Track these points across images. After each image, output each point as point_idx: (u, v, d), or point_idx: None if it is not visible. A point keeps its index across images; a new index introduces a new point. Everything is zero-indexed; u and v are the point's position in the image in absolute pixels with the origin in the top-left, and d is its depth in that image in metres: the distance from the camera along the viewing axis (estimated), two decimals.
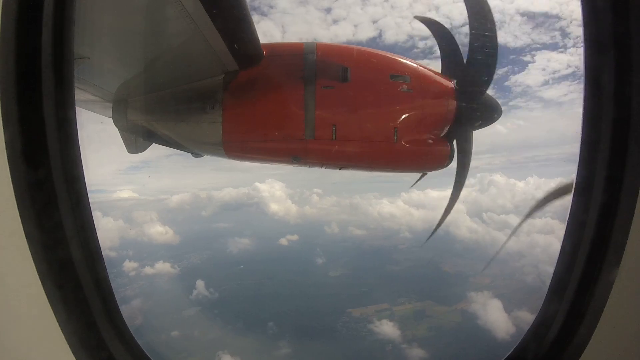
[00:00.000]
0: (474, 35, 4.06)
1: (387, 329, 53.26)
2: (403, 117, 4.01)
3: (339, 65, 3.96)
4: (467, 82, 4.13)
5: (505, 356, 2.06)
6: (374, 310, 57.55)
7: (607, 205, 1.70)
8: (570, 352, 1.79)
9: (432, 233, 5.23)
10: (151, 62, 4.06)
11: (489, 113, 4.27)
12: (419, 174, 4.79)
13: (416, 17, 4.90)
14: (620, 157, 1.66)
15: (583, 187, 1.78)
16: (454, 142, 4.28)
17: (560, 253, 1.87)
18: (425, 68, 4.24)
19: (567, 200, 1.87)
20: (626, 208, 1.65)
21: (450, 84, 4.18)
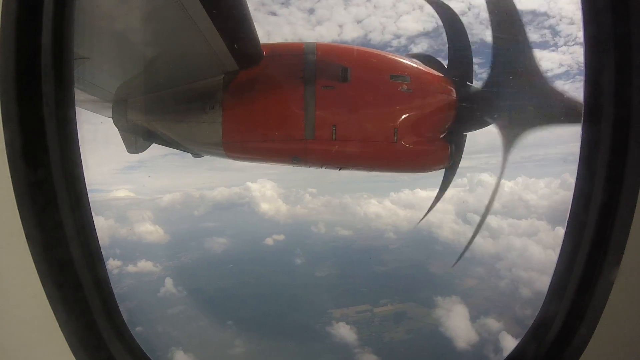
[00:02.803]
0: (450, 40, 4.29)
1: (344, 332, 53.03)
2: (403, 117, 4.02)
3: (339, 65, 3.96)
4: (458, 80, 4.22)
5: (505, 356, 2.07)
6: (355, 312, 57.28)
7: (607, 205, 1.70)
8: (570, 352, 1.79)
9: (466, 248, 5.10)
10: (151, 62, 4.06)
11: (489, 112, 4.28)
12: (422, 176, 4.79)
13: (409, 55, 5.18)
14: (620, 157, 1.66)
15: (583, 187, 1.78)
16: (454, 142, 4.29)
17: (560, 253, 1.87)
18: (426, 68, 4.24)
19: (567, 200, 1.87)
20: (626, 208, 1.65)
21: (451, 84, 4.19)
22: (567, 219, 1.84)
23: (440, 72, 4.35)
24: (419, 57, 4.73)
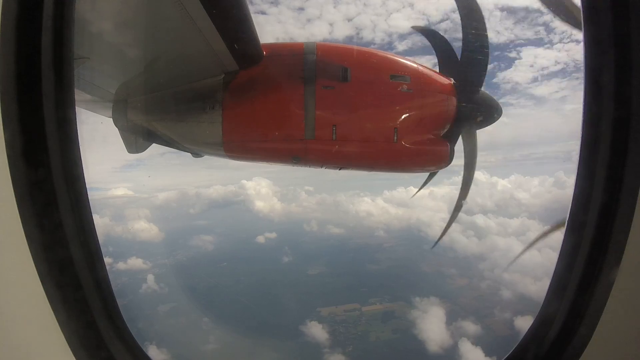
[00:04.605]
0: (467, 35, 4.15)
1: (316, 331, 53.13)
2: (403, 117, 4.02)
3: (339, 65, 3.96)
4: (465, 82, 4.17)
5: (505, 356, 2.06)
6: (343, 310, 57.23)
7: (607, 205, 1.70)
8: (570, 352, 1.79)
9: (441, 236, 5.19)
10: (151, 62, 4.06)
11: (489, 112, 4.28)
12: (420, 175, 4.80)
13: (414, 27, 5.05)
14: (620, 157, 1.66)
15: (583, 187, 1.78)
16: (454, 142, 4.29)
17: (560, 253, 1.87)
18: (426, 68, 4.24)
19: (560, 198, 1.87)
20: (626, 208, 1.65)
21: (450, 84, 4.19)
22: (567, 219, 1.84)
23: (445, 49, 4.34)
24: (424, 31, 4.72)
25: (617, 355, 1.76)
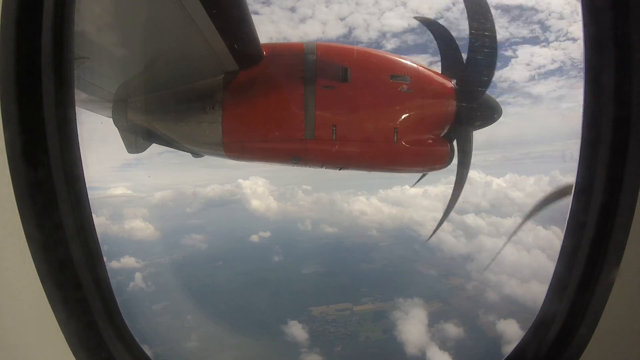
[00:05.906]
0: (473, 35, 4.08)
1: (296, 331, 53.02)
2: (403, 117, 4.02)
3: (339, 65, 3.96)
4: (468, 82, 4.15)
5: (505, 356, 2.07)
6: (335, 310, 57.08)
7: (607, 205, 1.70)
8: (570, 352, 1.79)
9: (433, 233, 5.22)
10: (151, 62, 4.06)
11: (489, 113, 4.28)
12: (419, 174, 4.80)
13: (416, 18, 5.00)
14: (620, 157, 1.66)
15: (583, 187, 1.78)
16: (455, 142, 4.29)
17: (560, 253, 1.87)
18: (426, 68, 4.25)
19: (567, 200, 1.87)
20: (626, 208, 1.65)
21: (450, 84, 4.19)
22: (567, 219, 1.84)
23: (449, 45, 4.31)
24: (425, 22, 4.68)
25: (617, 355, 1.76)
